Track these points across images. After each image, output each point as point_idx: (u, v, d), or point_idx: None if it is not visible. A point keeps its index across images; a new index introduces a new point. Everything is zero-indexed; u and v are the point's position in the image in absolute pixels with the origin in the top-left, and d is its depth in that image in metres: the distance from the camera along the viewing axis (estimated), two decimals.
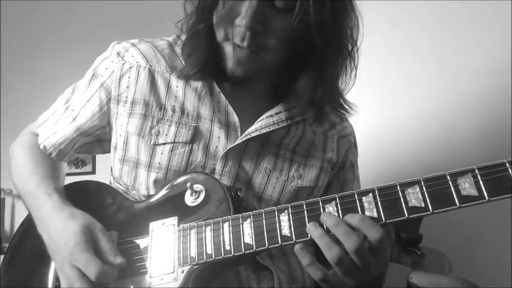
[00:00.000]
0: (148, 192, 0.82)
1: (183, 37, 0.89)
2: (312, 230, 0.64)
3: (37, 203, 0.80)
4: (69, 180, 0.92)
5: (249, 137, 0.83)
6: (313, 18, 0.72)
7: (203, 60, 0.81)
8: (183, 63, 0.87)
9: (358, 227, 0.62)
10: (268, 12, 0.73)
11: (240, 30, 0.74)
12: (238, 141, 0.83)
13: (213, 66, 0.81)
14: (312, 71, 0.82)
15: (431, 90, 1.44)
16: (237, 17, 0.74)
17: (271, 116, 0.86)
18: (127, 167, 0.84)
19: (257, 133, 0.84)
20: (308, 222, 0.66)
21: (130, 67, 0.86)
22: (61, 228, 0.73)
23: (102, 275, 0.67)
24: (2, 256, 0.89)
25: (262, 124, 0.85)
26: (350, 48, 0.83)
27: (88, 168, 3.02)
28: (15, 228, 1.03)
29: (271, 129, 0.85)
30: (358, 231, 0.63)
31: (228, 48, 0.78)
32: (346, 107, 0.92)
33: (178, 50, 0.90)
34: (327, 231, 0.64)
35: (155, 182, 0.81)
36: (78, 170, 2.98)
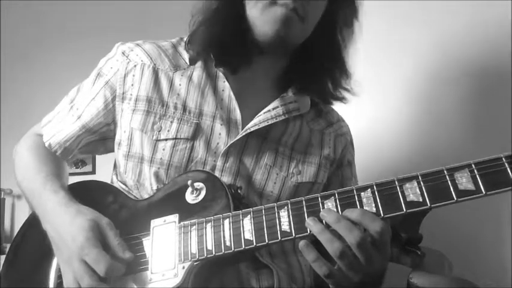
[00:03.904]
0: (152, 187, 0.83)
1: (185, 38, 0.91)
2: (312, 225, 0.65)
3: (43, 201, 0.81)
4: (69, 180, 0.93)
5: (248, 131, 0.85)
6: None
7: (232, 30, 0.84)
8: (186, 57, 0.90)
9: (359, 221, 0.63)
10: None
11: None
12: (238, 136, 0.84)
13: (236, 41, 0.85)
14: (327, 54, 0.90)
15: (430, 90, 1.44)
16: None
17: (269, 110, 0.88)
18: (131, 162, 0.86)
19: (256, 127, 0.85)
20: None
21: (135, 65, 0.88)
22: (68, 224, 0.74)
23: (111, 270, 0.68)
24: (3, 256, 0.89)
25: (260, 119, 0.86)
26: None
27: (88, 168, 3.02)
28: (15, 228, 1.03)
29: (269, 123, 0.86)
30: (359, 225, 0.63)
31: (276, 11, 0.79)
32: (350, 87, 0.95)
33: (181, 50, 0.93)
34: (327, 227, 0.64)
35: (156, 177, 0.82)
36: (78, 170, 2.98)
